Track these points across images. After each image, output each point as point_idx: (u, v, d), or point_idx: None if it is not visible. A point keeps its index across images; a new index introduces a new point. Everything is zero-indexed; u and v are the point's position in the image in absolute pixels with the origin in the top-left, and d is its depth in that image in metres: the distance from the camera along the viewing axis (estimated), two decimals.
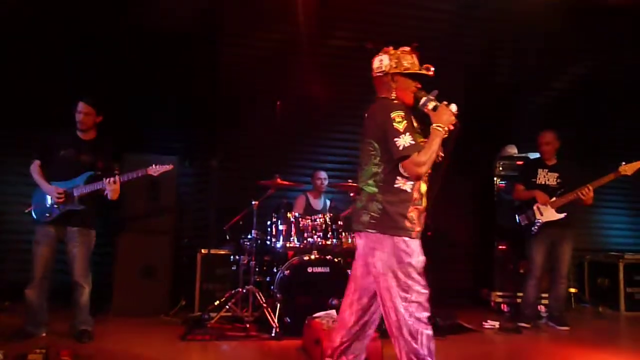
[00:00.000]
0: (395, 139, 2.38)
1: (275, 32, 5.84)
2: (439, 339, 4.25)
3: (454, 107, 2.49)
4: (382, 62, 2.62)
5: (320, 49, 6.00)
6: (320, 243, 4.64)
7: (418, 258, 2.44)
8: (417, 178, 2.45)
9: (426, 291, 2.42)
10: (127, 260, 5.01)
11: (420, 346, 2.35)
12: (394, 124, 2.40)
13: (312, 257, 4.55)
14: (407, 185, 2.47)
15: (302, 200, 5.64)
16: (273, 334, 4.12)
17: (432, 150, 2.40)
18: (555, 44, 6.30)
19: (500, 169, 6.14)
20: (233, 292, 4.62)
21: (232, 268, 5.11)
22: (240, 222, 5.13)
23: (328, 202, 5.74)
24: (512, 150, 6.22)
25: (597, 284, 6.50)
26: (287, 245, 4.66)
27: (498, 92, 6.62)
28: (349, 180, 5.16)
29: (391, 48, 2.64)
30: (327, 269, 4.51)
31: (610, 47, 6.32)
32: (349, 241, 4.80)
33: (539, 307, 5.24)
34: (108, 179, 3.83)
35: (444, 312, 5.11)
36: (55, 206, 3.87)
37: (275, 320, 4.21)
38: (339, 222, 4.77)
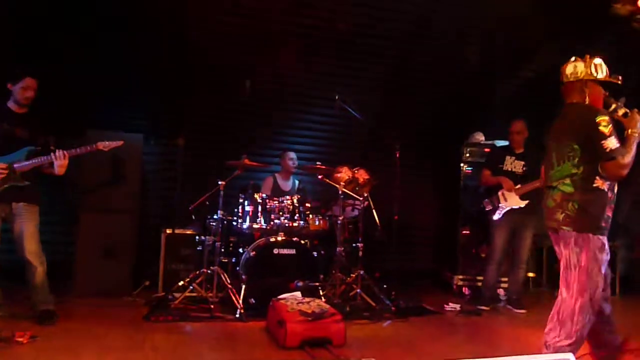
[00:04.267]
0: (603, 142, 2.61)
1: (245, 8, 5.70)
2: (401, 321, 4.38)
3: None
4: (576, 68, 2.85)
5: (291, 28, 5.90)
6: (287, 225, 4.64)
7: (607, 256, 2.68)
8: (617, 179, 2.69)
9: (603, 286, 2.68)
10: (89, 240, 4.88)
11: (578, 335, 2.63)
12: (599, 127, 2.62)
13: (279, 238, 4.55)
14: (605, 186, 2.68)
15: (269, 182, 5.60)
16: (237, 315, 4.11)
17: (632, 154, 2.65)
18: (524, 30, 6.32)
19: (467, 155, 6.22)
20: (198, 272, 4.58)
21: (198, 248, 5.05)
22: (207, 203, 5.06)
23: (297, 183, 5.73)
24: (480, 137, 6.31)
25: (554, 269, 6.73)
26: (254, 226, 4.63)
27: (466, 79, 6.66)
28: (317, 163, 5.15)
29: (587, 56, 2.86)
30: (293, 251, 4.53)
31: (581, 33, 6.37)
32: (316, 223, 4.83)
33: (498, 290, 5.41)
34: (57, 153, 3.65)
35: (408, 294, 5.21)
36: None
37: (240, 302, 4.20)
38: (307, 204, 4.77)
